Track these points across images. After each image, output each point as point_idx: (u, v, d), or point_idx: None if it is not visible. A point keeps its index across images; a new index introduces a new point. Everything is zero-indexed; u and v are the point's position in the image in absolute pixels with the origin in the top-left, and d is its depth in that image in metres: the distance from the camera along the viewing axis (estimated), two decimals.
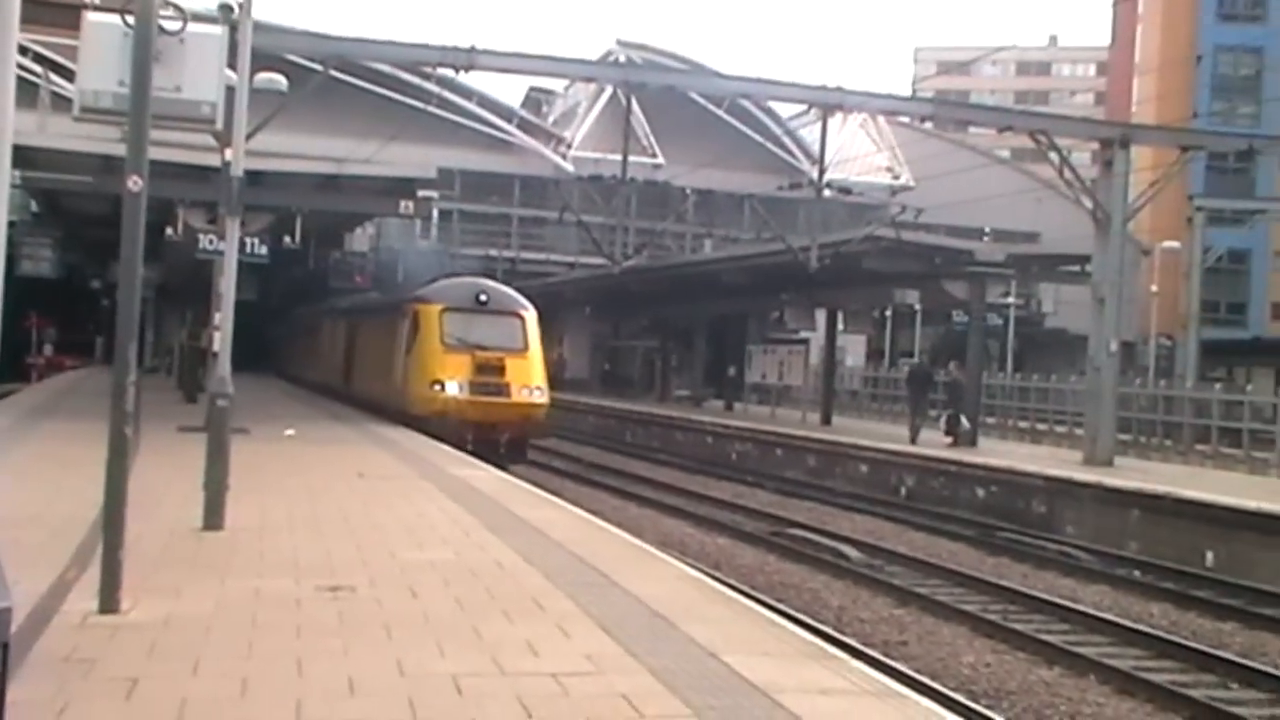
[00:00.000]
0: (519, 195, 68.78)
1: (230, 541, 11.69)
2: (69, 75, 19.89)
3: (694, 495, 27.26)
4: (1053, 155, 30.56)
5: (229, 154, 15.31)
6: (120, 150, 10.39)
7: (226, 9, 17.01)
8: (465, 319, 27.55)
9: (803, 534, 21.58)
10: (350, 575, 10.25)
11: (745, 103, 65.27)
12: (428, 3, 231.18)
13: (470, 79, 62.68)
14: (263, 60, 19.93)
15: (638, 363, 60.42)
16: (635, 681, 7.26)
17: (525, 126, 71.53)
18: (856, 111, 49.25)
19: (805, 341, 45.57)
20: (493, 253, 62.87)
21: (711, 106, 66.53)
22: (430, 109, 63.38)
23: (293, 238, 29.75)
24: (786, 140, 73.88)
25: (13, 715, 2.84)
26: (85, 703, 6.42)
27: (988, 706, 11.25)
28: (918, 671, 12.17)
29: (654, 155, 64.03)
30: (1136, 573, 19.75)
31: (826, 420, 39.72)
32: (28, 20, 3.10)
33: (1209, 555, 20.55)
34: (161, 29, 9.27)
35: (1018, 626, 15.03)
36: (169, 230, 25.12)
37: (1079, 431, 32.07)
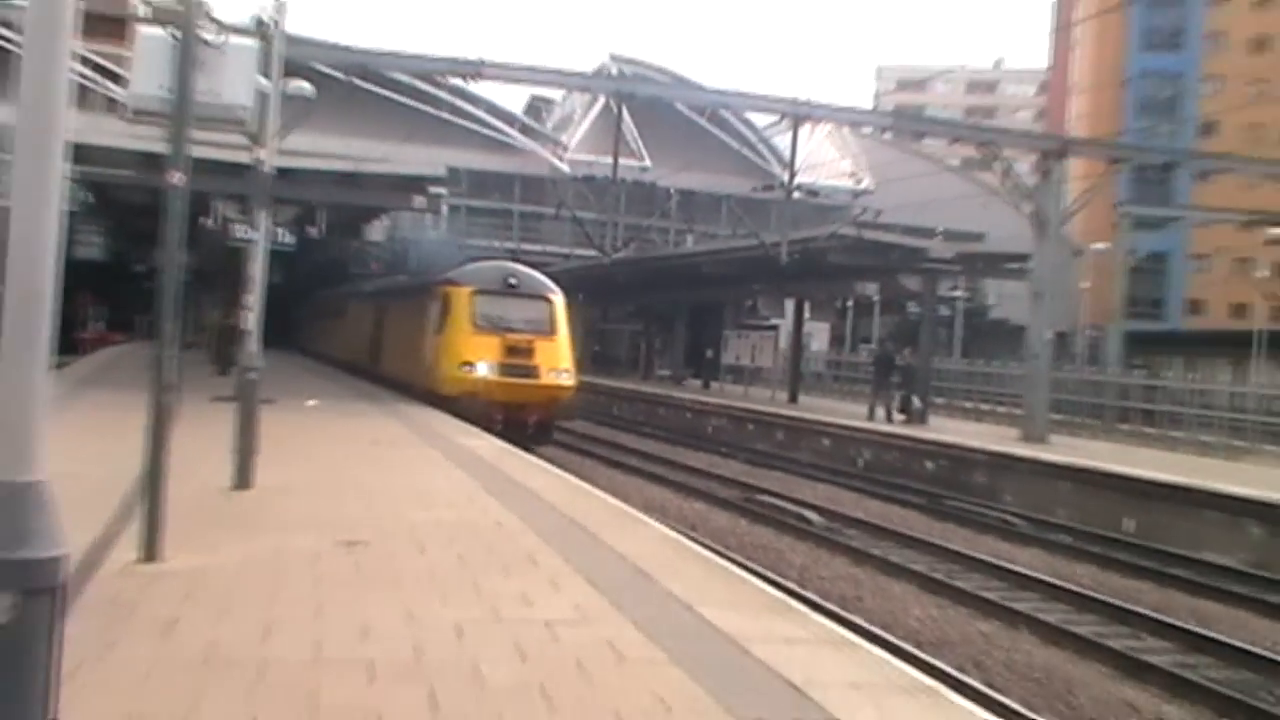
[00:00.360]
0: (520, 193, 68.59)
1: (258, 500, 11.72)
2: (120, 80, 19.81)
3: (674, 464, 27.24)
4: (997, 165, 30.61)
5: (260, 152, 15.25)
6: (163, 148, 10.37)
7: (260, 23, 16.96)
8: (495, 301, 25.68)
9: (770, 500, 21.62)
10: (364, 532, 10.25)
11: (724, 113, 65.23)
12: (440, 17, 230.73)
13: (478, 88, 63.03)
14: (292, 69, 19.82)
15: (625, 345, 60.43)
16: (618, 630, 7.28)
17: (526, 131, 71.37)
18: (824, 122, 49.11)
19: (775, 328, 45.68)
20: (495, 244, 62.69)
21: (694, 116, 66.49)
22: (441, 114, 63.41)
23: (316, 228, 29.73)
24: (760, 147, 73.79)
25: (68, 649, 2.86)
26: (129, 640, 6.45)
27: (932, 655, 11.30)
28: (871, 624, 12.24)
29: (641, 158, 63.86)
30: (1065, 537, 19.86)
31: (793, 398, 39.79)
32: (84, 31, 3.09)
33: (1128, 522, 20.70)
34: (203, 41, 9.29)
35: (960, 584, 15.13)
36: (205, 220, 25.05)
37: (1018, 411, 32.18)
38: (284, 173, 18.42)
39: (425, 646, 6.69)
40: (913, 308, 47.81)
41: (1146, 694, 10.94)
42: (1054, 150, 30.96)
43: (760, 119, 64.38)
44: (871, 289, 39.55)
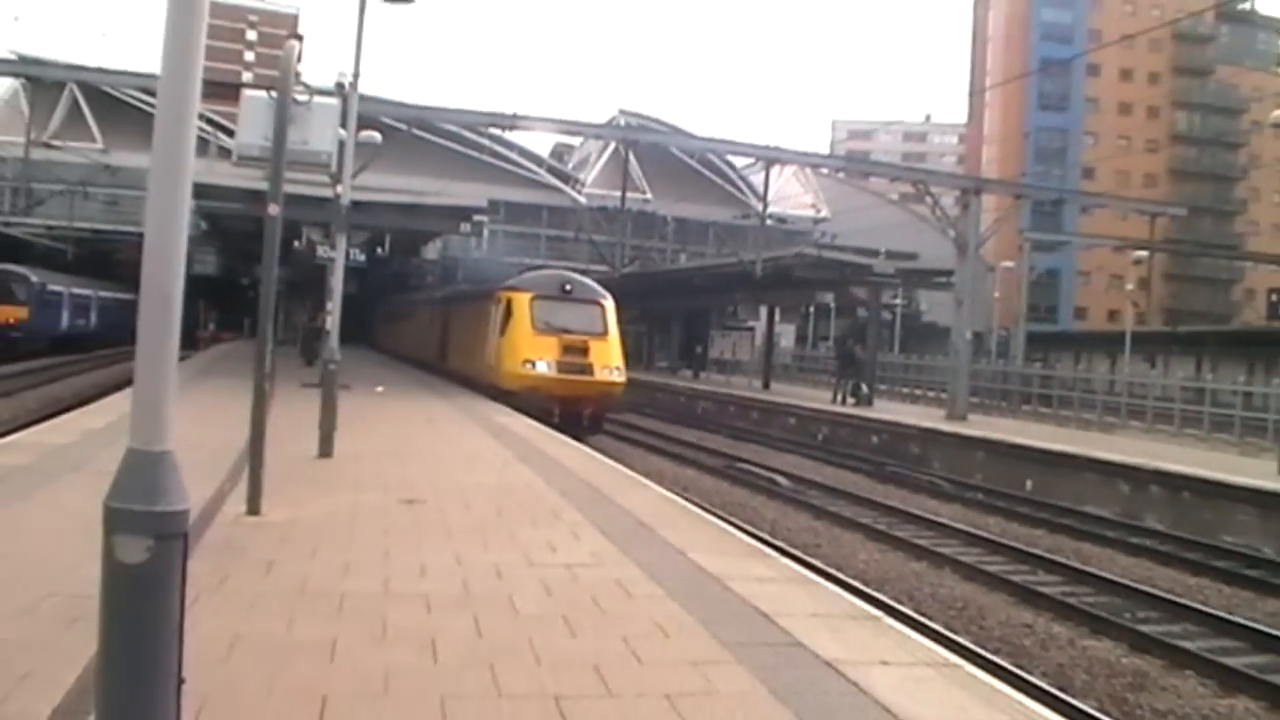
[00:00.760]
0: (546, 220, 68.39)
1: (337, 466, 11.74)
2: (229, 133, 19.84)
3: (670, 439, 27.07)
4: (928, 199, 30.63)
5: (339, 188, 15.30)
6: (263, 185, 10.38)
7: (340, 86, 16.98)
8: (553, 306, 23.66)
9: (747, 467, 21.60)
10: (422, 491, 10.28)
11: (711, 156, 64.98)
12: (482, 77, 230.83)
13: (513, 135, 62.99)
14: (364, 121, 19.86)
15: (630, 342, 60.16)
16: (625, 571, 7.31)
17: (552, 170, 71.18)
18: (790, 164, 49.10)
19: (752, 328, 45.70)
20: (525, 261, 62.59)
21: (686, 158, 66.28)
22: (484, 157, 63.27)
23: (383, 249, 29.74)
24: (740, 183, 73.46)
25: (190, 583, 2.89)
26: (239, 576, 6.50)
27: (875, 589, 11.32)
28: (827, 565, 12.24)
29: (645, 193, 63.67)
30: (980, 495, 19.83)
31: (766, 385, 39.70)
32: (203, 95, 3.12)
33: (1028, 483, 20.70)
34: (295, 100, 9.30)
35: (898, 534, 15.12)
36: (296, 243, 25.10)
37: (944, 396, 32.11)
38: (357, 205, 18.42)
39: (471, 583, 6.73)
40: (861, 312, 47.76)
41: (1041, 617, 10.96)
42: (972, 189, 30.99)
43: (740, 161, 64.38)
44: (828, 297, 39.45)
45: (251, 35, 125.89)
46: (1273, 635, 10.43)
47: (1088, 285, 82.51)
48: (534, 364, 22.64)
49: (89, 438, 12.41)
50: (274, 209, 8.58)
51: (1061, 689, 8.48)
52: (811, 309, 59.60)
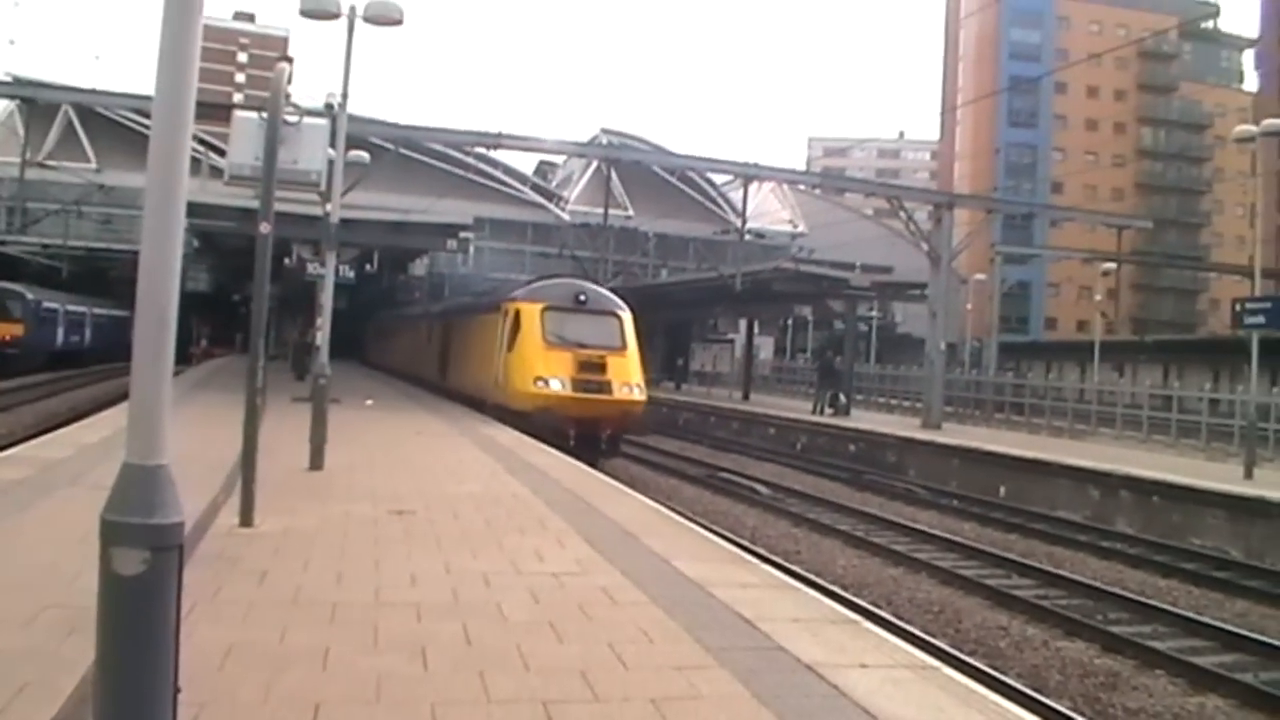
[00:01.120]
0: (531, 236, 68.33)
1: (328, 478, 11.69)
2: (221, 153, 19.82)
3: (652, 449, 26.98)
4: (902, 214, 30.76)
5: (329, 206, 15.27)
6: (255, 204, 10.37)
7: (329, 107, 16.98)
8: (566, 318, 21.17)
9: (728, 476, 21.63)
10: (411, 502, 10.26)
11: (691, 173, 65.13)
12: (467, 96, 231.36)
13: (497, 154, 62.88)
14: (352, 141, 19.84)
15: None
16: (610, 579, 7.31)
17: (536, 188, 71.16)
18: (768, 180, 49.30)
19: (731, 341, 45.69)
20: (512, 277, 62.50)
21: (667, 175, 66.35)
22: (469, 175, 63.18)
23: (372, 265, 29.64)
24: (719, 199, 73.63)
25: (185, 593, 2.89)
26: (232, 585, 6.48)
27: (854, 594, 11.35)
28: (807, 571, 12.27)
29: (626, 209, 63.59)
30: (955, 502, 19.89)
31: (746, 396, 39.75)
32: (195, 116, 3.12)
33: (1002, 489, 20.77)
34: (285, 121, 9.31)
35: (875, 540, 15.15)
36: (287, 260, 25.01)
37: (919, 405, 32.19)
38: (347, 222, 18.40)
39: (460, 592, 6.71)
40: (838, 325, 47.92)
41: (1016, 619, 11.01)
42: (944, 203, 31.13)
43: (719, 178, 64.50)
44: (806, 310, 39.66)
45: (242, 57, 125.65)
46: (1241, 635, 10.50)
47: (1058, 296, 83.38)
48: (546, 382, 20.19)
49: (85, 452, 12.33)
50: (265, 227, 8.57)
51: (1037, 689, 8.52)
52: (790, 322, 59.83)
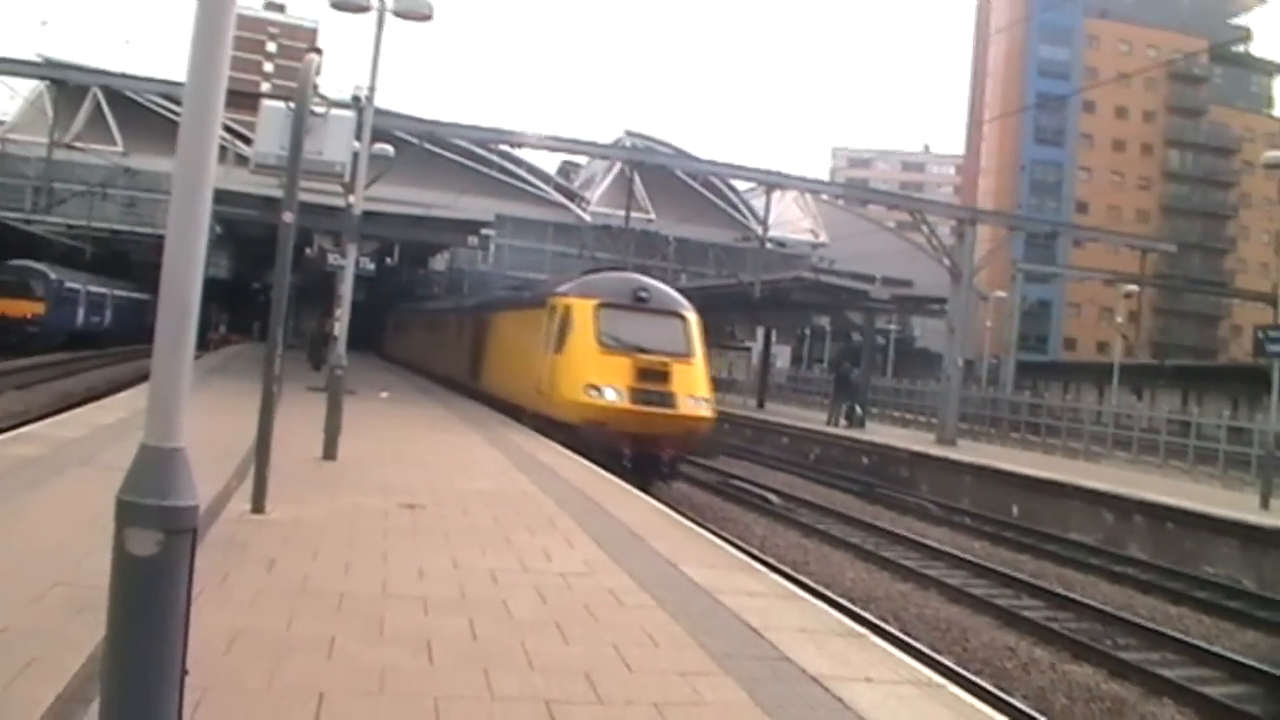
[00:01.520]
0: (551, 236, 68.42)
1: (341, 469, 11.73)
2: (247, 141, 19.91)
3: None
4: (924, 227, 30.66)
5: (352, 198, 15.34)
6: (278, 193, 10.42)
7: (356, 99, 17.07)
8: (623, 317, 18.23)
9: (739, 484, 21.61)
10: (421, 496, 10.27)
11: (714, 179, 65.10)
12: (495, 95, 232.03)
13: (521, 153, 63.15)
14: (378, 134, 19.90)
15: None
16: (618, 580, 7.31)
17: (558, 188, 71.24)
18: (791, 189, 49.22)
19: (749, 349, 45.55)
20: (531, 276, 62.72)
21: (690, 180, 66.36)
22: (492, 172, 63.33)
23: (392, 258, 29.74)
24: (741, 206, 73.55)
25: (194, 577, 2.91)
26: (241, 572, 6.51)
27: (861, 607, 11.33)
28: (815, 582, 12.26)
29: (648, 213, 63.77)
30: (967, 519, 19.86)
31: (761, 405, 39.71)
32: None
33: (1014, 508, 20.69)
34: (312, 112, 9.35)
35: (885, 554, 15.14)
36: (307, 250, 25.13)
37: (934, 420, 32.10)
38: (369, 215, 18.46)
39: (467, 587, 6.72)
40: (856, 336, 47.85)
41: (1024, 640, 10.98)
42: (967, 218, 31.05)
43: (741, 184, 64.49)
44: (824, 321, 39.65)
45: (271, 47, 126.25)
46: (1250, 666, 10.43)
47: (1078, 317, 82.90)
48: (600, 391, 17.26)
49: (99, 433, 12.42)
50: (288, 216, 8.61)
51: (1042, 712, 8.49)
52: (807, 331, 59.70)
